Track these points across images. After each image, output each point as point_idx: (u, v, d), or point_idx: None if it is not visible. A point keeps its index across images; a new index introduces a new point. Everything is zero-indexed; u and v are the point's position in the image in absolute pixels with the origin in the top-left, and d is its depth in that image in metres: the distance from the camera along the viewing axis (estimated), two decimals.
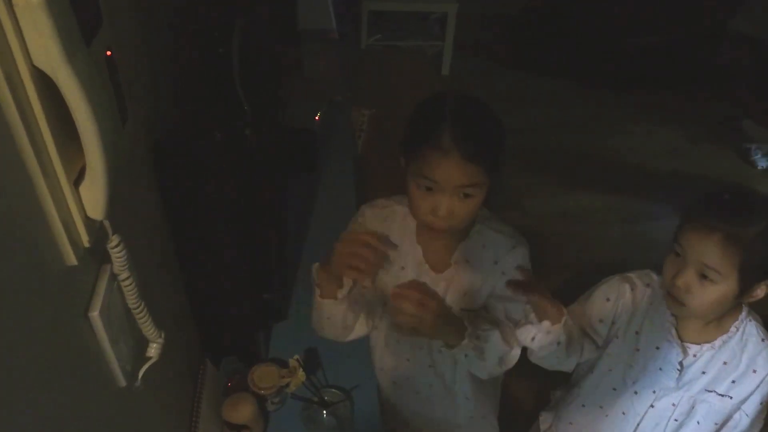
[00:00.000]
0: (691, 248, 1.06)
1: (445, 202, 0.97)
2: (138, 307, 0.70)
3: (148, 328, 0.74)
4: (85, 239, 0.58)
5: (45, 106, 0.50)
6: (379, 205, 1.15)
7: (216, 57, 1.07)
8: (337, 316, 1.08)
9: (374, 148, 2.56)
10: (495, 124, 1.00)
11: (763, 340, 1.17)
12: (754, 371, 1.18)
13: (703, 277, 1.06)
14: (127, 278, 0.67)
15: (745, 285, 1.06)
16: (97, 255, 0.65)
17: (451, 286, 1.12)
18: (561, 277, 2.35)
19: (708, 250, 1.04)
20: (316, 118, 1.83)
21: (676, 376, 1.22)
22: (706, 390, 1.21)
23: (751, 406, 1.21)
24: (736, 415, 1.24)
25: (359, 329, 1.15)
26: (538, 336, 1.11)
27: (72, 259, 0.57)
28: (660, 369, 1.23)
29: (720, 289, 1.06)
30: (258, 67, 1.23)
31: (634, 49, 3.57)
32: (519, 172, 2.94)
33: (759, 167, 3.08)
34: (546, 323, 1.08)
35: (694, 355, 1.20)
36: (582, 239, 2.69)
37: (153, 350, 0.77)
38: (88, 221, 0.58)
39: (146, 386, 0.81)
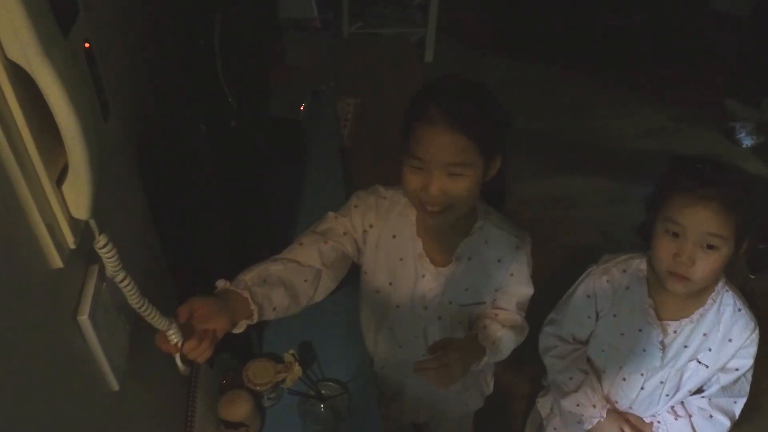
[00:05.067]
0: (691, 222, 1.07)
1: (435, 180, 0.94)
2: (142, 306, 0.68)
3: (158, 322, 0.73)
4: (70, 240, 0.56)
5: (22, 102, 0.47)
6: (380, 194, 1.12)
7: (198, 48, 1.04)
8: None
9: (360, 138, 2.54)
10: (489, 103, 0.98)
11: (739, 309, 1.20)
12: (730, 340, 1.21)
13: (708, 247, 1.07)
14: (124, 279, 0.64)
15: (739, 243, 1.09)
16: (84, 256, 0.63)
17: (451, 281, 1.11)
18: (551, 262, 2.35)
19: (709, 219, 1.06)
20: (301, 108, 1.80)
21: (660, 355, 1.23)
22: (688, 360, 1.24)
23: (728, 374, 1.24)
24: (713, 379, 1.27)
25: (324, 287, 1.05)
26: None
27: (57, 262, 0.54)
28: (644, 350, 1.25)
29: (722, 253, 1.08)
30: (240, 58, 1.21)
31: (617, 31, 3.57)
32: (507, 157, 2.93)
33: (744, 145, 3.10)
34: None
35: (675, 332, 1.22)
36: (570, 222, 2.70)
37: (174, 338, 0.76)
38: (73, 222, 0.56)
39: (139, 388, 0.80)
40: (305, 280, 1.01)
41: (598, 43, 3.59)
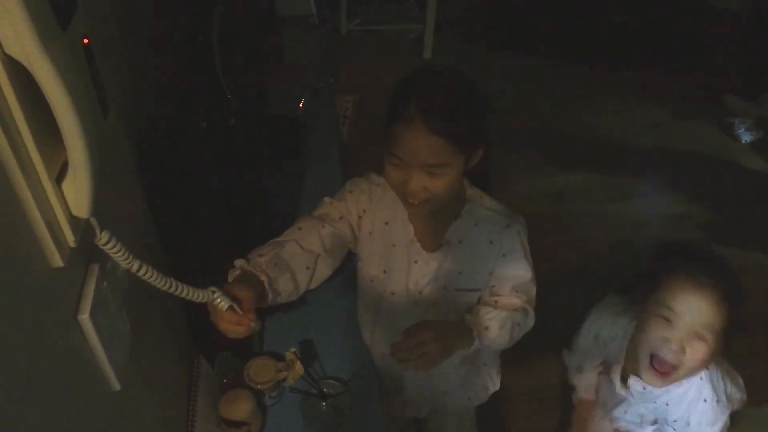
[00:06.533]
0: (686, 310, 1.04)
1: (414, 178, 0.95)
2: (171, 287, 0.68)
3: (198, 296, 0.73)
4: (70, 239, 0.55)
5: (21, 98, 0.46)
6: (374, 180, 1.12)
7: (196, 45, 1.03)
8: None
9: (359, 134, 2.53)
10: (469, 97, 0.97)
11: (705, 400, 1.16)
12: (688, 424, 1.19)
13: (699, 337, 1.05)
14: (140, 268, 0.63)
15: (727, 338, 1.06)
16: (84, 255, 0.62)
17: (444, 266, 1.11)
18: (550, 258, 2.35)
19: (704, 309, 1.03)
20: (300, 105, 1.79)
21: (629, 400, 1.25)
22: (651, 413, 1.25)
23: None
24: None
25: (320, 274, 1.06)
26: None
27: (57, 261, 0.54)
28: (615, 394, 1.27)
29: (711, 347, 1.05)
30: (239, 55, 1.20)
31: (615, 27, 3.57)
32: (505, 154, 2.93)
33: (743, 141, 3.09)
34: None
35: (644, 389, 1.20)
36: (570, 218, 2.69)
37: (223, 304, 0.77)
38: (73, 220, 0.55)
39: (140, 388, 0.79)
40: (306, 267, 1.02)
41: (597, 39, 3.59)
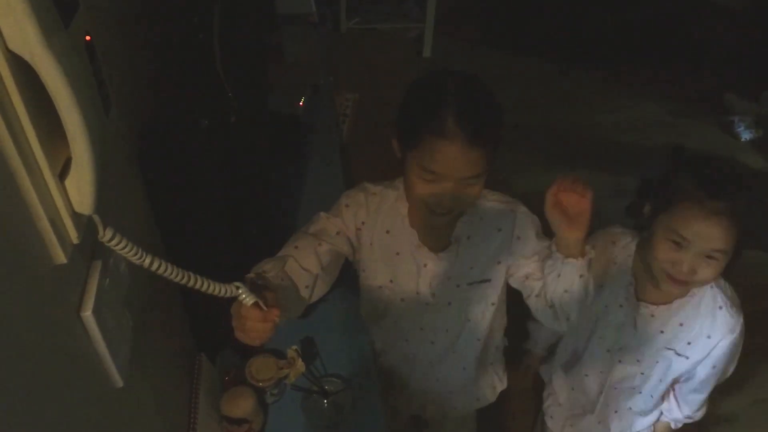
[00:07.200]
0: (697, 237, 1.05)
1: (449, 191, 0.94)
2: (189, 280, 0.67)
3: (221, 291, 0.73)
4: (73, 235, 0.55)
5: (24, 94, 0.46)
6: (369, 191, 1.11)
7: (197, 43, 1.03)
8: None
9: (359, 134, 2.53)
10: (495, 104, 0.97)
11: (720, 307, 1.18)
12: (708, 337, 1.20)
13: (709, 257, 1.06)
14: (152, 262, 0.62)
15: (738, 250, 1.08)
16: (87, 252, 0.62)
17: (455, 263, 1.10)
18: None
19: (716, 236, 1.04)
20: (300, 103, 1.79)
21: (634, 333, 1.24)
22: (666, 348, 1.23)
23: (704, 369, 1.24)
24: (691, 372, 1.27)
25: (318, 291, 1.07)
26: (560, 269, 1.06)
27: (61, 257, 0.54)
28: (623, 325, 1.25)
29: (723, 262, 1.07)
30: (240, 53, 1.20)
31: (616, 25, 3.57)
32: (505, 151, 2.93)
33: (743, 139, 3.10)
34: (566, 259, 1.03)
35: (652, 315, 1.21)
36: None
37: (248, 300, 0.77)
38: (76, 216, 0.55)
39: (143, 385, 0.79)
40: (306, 286, 1.02)
41: (597, 37, 3.59)
